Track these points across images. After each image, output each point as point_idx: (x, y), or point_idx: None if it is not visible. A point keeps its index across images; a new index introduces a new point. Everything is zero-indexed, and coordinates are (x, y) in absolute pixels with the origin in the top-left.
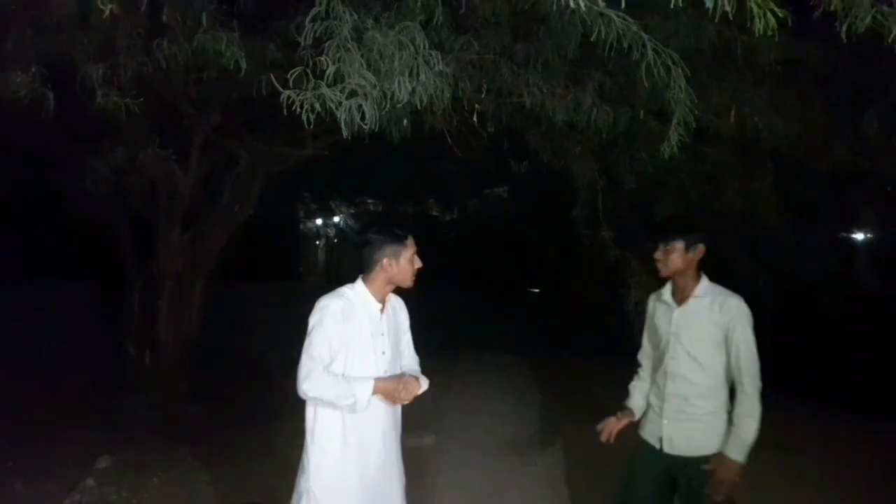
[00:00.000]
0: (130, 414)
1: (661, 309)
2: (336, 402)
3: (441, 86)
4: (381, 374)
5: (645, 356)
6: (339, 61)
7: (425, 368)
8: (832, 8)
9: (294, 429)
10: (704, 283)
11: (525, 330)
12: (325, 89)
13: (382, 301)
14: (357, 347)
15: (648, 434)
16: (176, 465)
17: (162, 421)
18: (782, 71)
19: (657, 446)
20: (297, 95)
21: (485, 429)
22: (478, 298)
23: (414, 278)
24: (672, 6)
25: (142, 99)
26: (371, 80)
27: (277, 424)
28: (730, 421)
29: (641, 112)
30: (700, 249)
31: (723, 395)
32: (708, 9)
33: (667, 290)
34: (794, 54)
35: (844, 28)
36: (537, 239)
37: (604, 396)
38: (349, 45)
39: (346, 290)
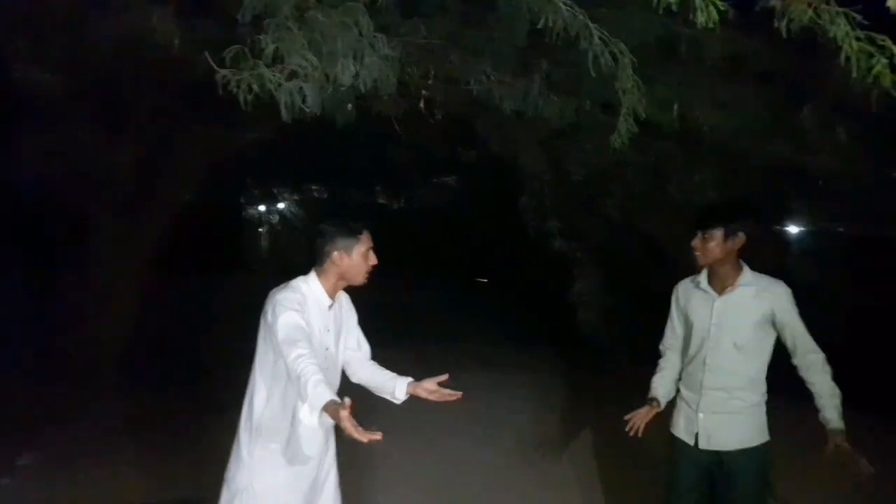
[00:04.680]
0: (59, 408)
1: (698, 298)
2: (304, 376)
3: (387, 70)
4: (324, 370)
5: (669, 347)
6: (279, 41)
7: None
8: (771, 4)
9: (235, 422)
10: (747, 271)
11: (471, 319)
12: (263, 70)
13: (333, 296)
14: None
15: (681, 430)
16: (106, 461)
17: (94, 415)
18: (724, 66)
19: (691, 442)
20: (234, 76)
21: (432, 421)
22: (425, 287)
23: (367, 275)
24: None
25: (71, 77)
26: (313, 62)
27: (218, 417)
28: (764, 412)
29: (588, 103)
30: (740, 238)
31: (763, 386)
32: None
33: (703, 279)
34: (735, 50)
35: (784, 24)
36: (487, 228)
37: (551, 386)
38: (290, 25)
39: (300, 283)
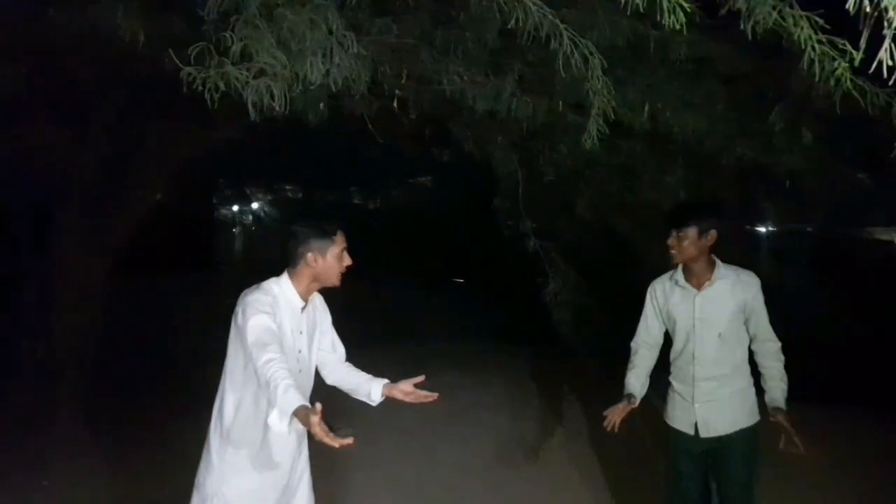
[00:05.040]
0: (23, 412)
1: (678, 295)
2: (273, 381)
3: (358, 69)
4: (297, 373)
5: (641, 343)
6: (246, 38)
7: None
8: (737, 7)
9: (205, 426)
10: (720, 265)
11: (448, 319)
12: (229, 68)
13: (306, 298)
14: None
15: (679, 422)
16: (72, 467)
17: (60, 419)
18: (692, 68)
19: (691, 432)
20: (199, 73)
21: (402, 420)
22: (401, 288)
23: (341, 277)
24: None
25: (34, 73)
26: (281, 60)
27: (188, 421)
28: (757, 392)
29: (561, 104)
30: (712, 235)
31: (748, 370)
32: (621, 1)
33: (680, 276)
34: (703, 52)
35: (749, 26)
36: (462, 228)
37: (528, 386)
38: (258, 22)
39: (272, 285)
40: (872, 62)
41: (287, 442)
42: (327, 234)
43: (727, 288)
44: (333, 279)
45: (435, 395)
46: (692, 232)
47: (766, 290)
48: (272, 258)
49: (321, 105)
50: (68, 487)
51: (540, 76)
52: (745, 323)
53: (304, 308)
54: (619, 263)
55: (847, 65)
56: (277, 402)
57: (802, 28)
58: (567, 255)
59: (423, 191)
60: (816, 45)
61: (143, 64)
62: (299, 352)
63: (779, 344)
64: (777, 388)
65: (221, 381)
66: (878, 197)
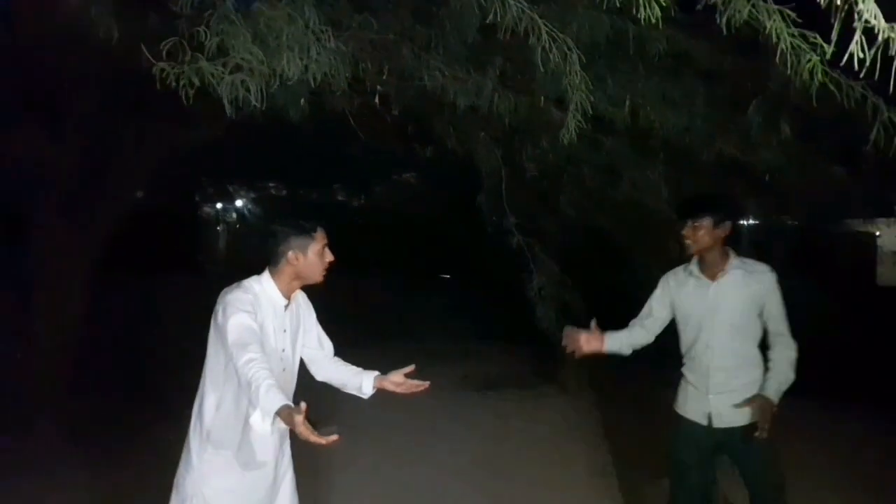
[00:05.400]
0: None
1: (691, 285)
2: (255, 381)
3: (338, 65)
4: (281, 371)
5: (639, 322)
6: (222, 34)
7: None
8: (713, 1)
9: (186, 426)
10: (734, 257)
11: (433, 317)
12: (204, 63)
13: (289, 296)
14: (263, 344)
15: (692, 412)
16: (50, 469)
17: (37, 422)
18: (672, 64)
19: (704, 423)
20: (173, 69)
21: (384, 420)
22: (387, 285)
23: (324, 273)
24: None
25: (6, 70)
26: (258, 56)
27: (168, 420)
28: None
29: (542, 99)
30: (727, 226)
31: (761, 361)
32: None
33: (694, 267)
34: (682, 48)
35: (724, 21)
36: (448, 224)
37: (503, 381)
38: (233, 17)
39: (253, 284)
40: (845, 56)
41: (268, 442)
42: (307, 232)
43: (740, 278)
44: (316, 276)
45: (426, 384)
46: (707, 222)
47: None
48: (256, 256)
49: (302, 101)
50: (45, 491)
51: (521, 72)
52: (760, 316)
53: (286, 306)
54: (601, 259)
55: (818, 58)
56: (259, 402)
57: (775, 21)
58: (550, 251)
59: (407, 188)
60: (788, 38)
61: (119, 60)
62: (282, 350)
63: (793, 343)
64: (773, 379)
65: (202, 381)
66: (856, 191)
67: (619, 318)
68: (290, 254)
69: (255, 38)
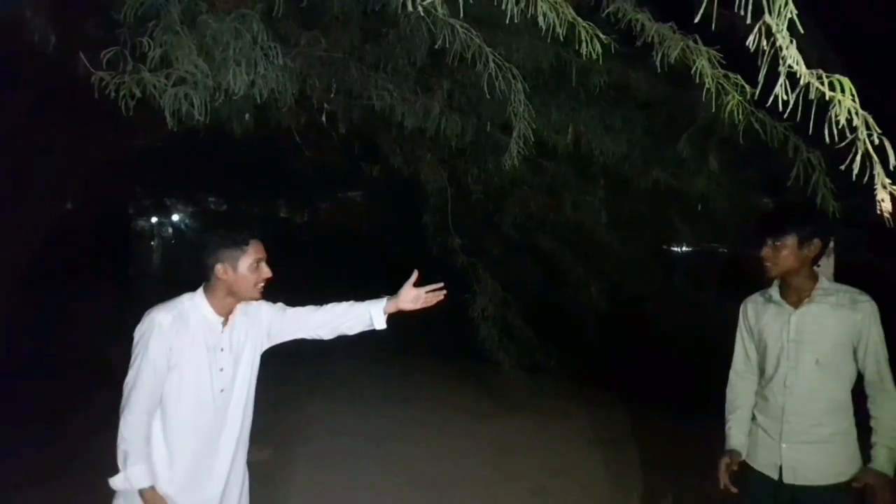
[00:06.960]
0: None
1: (771, 312)
2: (129, 447)
3: (285, 81)
4: (217, 391)
5: (741, 374)
6: (166, 45)
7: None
8: (650, 39)
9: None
10: (823, 280)
11: (376, 334)
12: (146, 74)
13: (226, 314)
14: (189, 362)
15: (762, 463)
16: None
17: None
18: (612, 94)
19: (774, 476)
20: (113, 79)
21: (326, 439)
22: (328, 301)
23: (260, 289)
24: (508, 21)
25: None
26: (203, 69)
27: (104, 436)
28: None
29: (488, 124)
30: (816, 245)
31: (851, 410)
32: (542, 28)
33: (775, 292)
34: (622, 79)
35: (659, 58)
36: (392, 243)
37: (447, 399)
38: (178, 28)
39: (184, 301)
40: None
41: (225, 454)
42: (237, 244)
43: (830, 307)
44: (250, 292)
45: (440, 286)
46: (791, 241)
47: (682, 307)
48: (191, 271)
49: (247, 116)
50: None
51: (468, 96)
52: (854, 354)
53: (225, 323)
54: (543, 280)
55: (740, 98)
56: (126, 471)
57: (701, 62)
58: (494, 271)
59: (352, 205)
60: (713, 79)
61: (53, 65)
62: (220, 370)
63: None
64: (882, 445)
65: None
66: None
67: (558, 336)
68: (219, 267)
69: (200, 51)
